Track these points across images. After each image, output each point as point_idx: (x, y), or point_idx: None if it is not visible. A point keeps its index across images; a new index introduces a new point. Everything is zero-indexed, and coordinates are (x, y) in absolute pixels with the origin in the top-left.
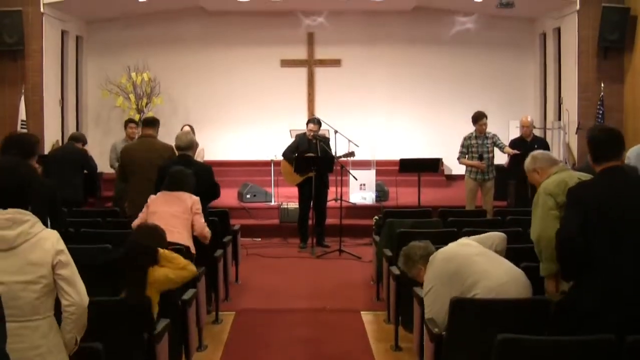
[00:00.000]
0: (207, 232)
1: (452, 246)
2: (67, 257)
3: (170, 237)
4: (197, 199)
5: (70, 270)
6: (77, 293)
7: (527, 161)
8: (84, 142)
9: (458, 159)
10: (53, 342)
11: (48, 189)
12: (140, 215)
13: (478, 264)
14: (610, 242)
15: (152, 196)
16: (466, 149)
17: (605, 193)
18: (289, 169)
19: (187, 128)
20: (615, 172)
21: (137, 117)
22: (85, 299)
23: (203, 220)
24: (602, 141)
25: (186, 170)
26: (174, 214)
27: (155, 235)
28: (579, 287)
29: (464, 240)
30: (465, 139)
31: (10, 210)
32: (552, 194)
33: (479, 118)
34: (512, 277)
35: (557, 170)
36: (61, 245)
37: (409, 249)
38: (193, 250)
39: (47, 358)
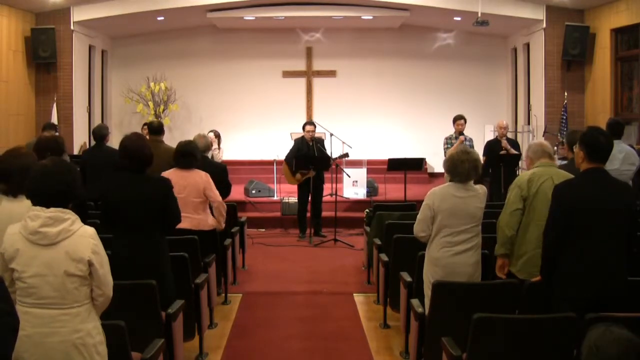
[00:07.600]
0: (223, 208)
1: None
2: (100, 256)
3: (182, 224)
4: (206, 177)
5: (103, 268)
6: (105, 287)
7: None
8: (108, 134)
9: (445, 154)
10: (91, 326)
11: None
12: None
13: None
14: (585, 233)
15: (165, 172)
16: (450, 146)
17: (587, 191)
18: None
19: (210, 134)
20: (599, 174)
21: None
22: (111, 293)
23: (216, 192)
24: (603, 147)
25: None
26: (186, 200)
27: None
28: (557, 271)
29: None
30: (447, 138)
31: (52, 209)
32: (521, 187)
33: (456, 119)
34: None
35: (540, 164)
36: (97, 242)
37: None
38: (214, 224)
39: (87, 341)
